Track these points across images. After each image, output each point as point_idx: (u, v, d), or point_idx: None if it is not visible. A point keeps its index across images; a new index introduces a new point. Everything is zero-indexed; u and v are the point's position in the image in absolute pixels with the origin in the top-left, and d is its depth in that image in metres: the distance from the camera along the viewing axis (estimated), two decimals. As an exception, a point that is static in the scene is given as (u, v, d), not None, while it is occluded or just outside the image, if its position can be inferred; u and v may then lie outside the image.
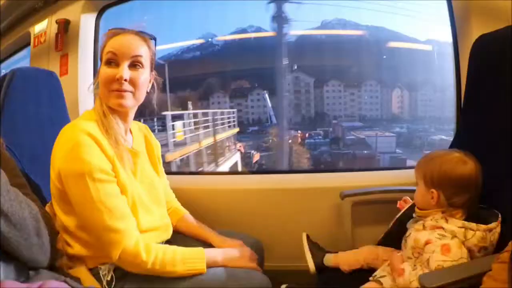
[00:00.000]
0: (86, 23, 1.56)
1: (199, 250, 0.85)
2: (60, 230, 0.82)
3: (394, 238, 0.97)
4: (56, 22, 1.53)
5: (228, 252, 0.91)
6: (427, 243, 0.77)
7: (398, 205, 1.04)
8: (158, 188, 0.97)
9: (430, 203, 0.82)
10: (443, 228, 0.77)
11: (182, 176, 1.73)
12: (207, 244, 0.98)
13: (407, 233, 0.86)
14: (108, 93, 0.81)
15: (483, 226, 0.75)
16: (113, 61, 0.81)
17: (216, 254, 0.89)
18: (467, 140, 1.00)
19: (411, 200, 1.01)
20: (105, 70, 0.81)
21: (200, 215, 1.10)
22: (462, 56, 1.33)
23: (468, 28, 1.25)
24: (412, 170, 1.32)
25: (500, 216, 0.78)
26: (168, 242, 0.94)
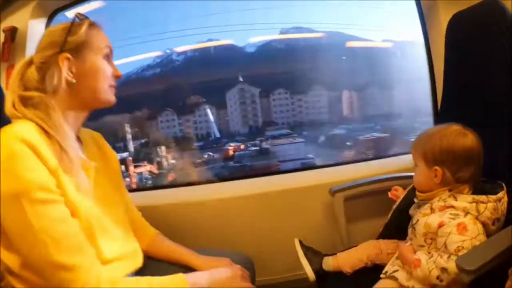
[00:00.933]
0: (35, 29, 1.38)
1: (179, 277, 0.72)
2: (3, 271, 0.64)
3: (394, 229, 0.92)
4: (3, 30, 1.35)
5: (215, 274, 0.79)
6: (440, 225, 0.71)
7: (390, 196, 0.99)
8: (120, 205, 0.82)
9: (434, 183, 0.77)
10: (453, 207, 0.72)
11: (147, 192, 1.52)
12: (188, 268, 0.85)
13: (414, 220, 0.79)
14: (109, 89, 0.75)
15: (493, 197, 0.72)
16: (107, 58, 0.76)
17: (201, 278, 0.76)
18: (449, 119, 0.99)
19: (402, 189, 0.97)
20: (106, 65, 0.75)
21: (173, 234, 0.94)
22: (433, 44, 1.34)
23: (437, 15, 1.26)
24: (401, 157, 1.28)
25: (504, 185, 0.75)
26: (139, 271, 0.78)
